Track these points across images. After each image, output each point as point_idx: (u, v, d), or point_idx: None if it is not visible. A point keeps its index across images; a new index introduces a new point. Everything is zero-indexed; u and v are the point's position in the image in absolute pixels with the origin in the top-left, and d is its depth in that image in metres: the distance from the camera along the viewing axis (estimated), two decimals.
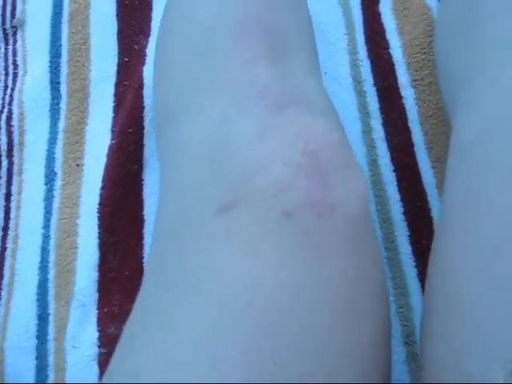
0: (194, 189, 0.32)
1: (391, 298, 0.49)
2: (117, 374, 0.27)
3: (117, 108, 0.57)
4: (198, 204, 0.30)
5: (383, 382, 0.28)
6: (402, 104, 0.54)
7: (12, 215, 0.55)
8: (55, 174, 0.56)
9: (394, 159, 0.53)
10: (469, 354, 0.26)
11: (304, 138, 0.29)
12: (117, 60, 0.59)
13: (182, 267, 0.29)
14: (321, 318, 0.26)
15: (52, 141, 0.57)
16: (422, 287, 0.49)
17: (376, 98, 0.55)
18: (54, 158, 0.56)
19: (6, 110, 0.58)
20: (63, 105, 0.58)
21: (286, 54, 0.36)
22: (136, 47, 0.59)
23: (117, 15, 0.61)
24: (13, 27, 0.62)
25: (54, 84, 0.59)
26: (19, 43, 0.61)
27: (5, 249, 0.54)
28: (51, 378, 0.50)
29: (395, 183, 0.52)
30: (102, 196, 0.53)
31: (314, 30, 0.56)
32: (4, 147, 0.57)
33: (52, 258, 0.53)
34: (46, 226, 0.54)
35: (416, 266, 0.50)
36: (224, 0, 0.38)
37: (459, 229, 0.31)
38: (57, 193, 0.55)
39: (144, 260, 0.51)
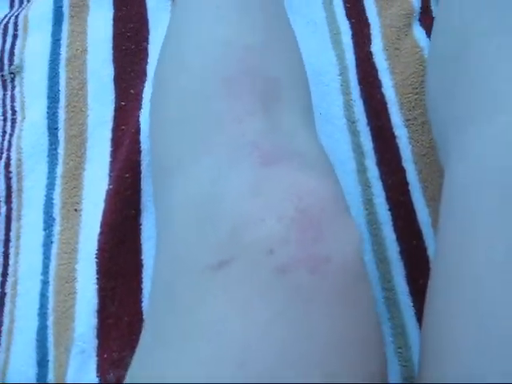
0: (187, 244, 0.32)
1: (390, 338, 0.49)
2: None
3: (114, 153, 0.57)
4: (191, 260, 0.31)
5: None
6: (396, 143, 0.55)
7: (11, 261, 0.55)
8: (54, 219, 0.56)
9: (389, 198, 0.53)
10: None
11: (296, 193, 0.29)
12: (114, 105, 0.60)
13: (175, 324, 0.29)
14: (311, 374, 0.26)
15: (50, 186, 0.57)
16: (420, 327, 0.49)
17: (370, 138, 0.56)
18: (52, 203, 0.57)
19: (4, 156, 0.59)
20: (61, 150, 0.59)
21: (277, 107, 0.36)
22: (132, 91, 0.60)
23: (113, 60, 0.62)
24: (11, 73, 0.63)
25: (52, 130, 0.59)
26: (17, 89, 0.62)
27: (4, 294, 0.54)
28: None
29: (391, 222, 0.52)
30: (100, 241, 0.53)
31: (307, 72, 0.57)
32: (2, 193, 0.57)
33: (51, 304, 0.53)
34: (45, 272, 0.54)
35: (413, 306, 0.50)
36: (216, 52, 0.39)
37: (453, 273, 0.31)
38: (55, 238, 0.55)
39: (143, 305, 0.51)
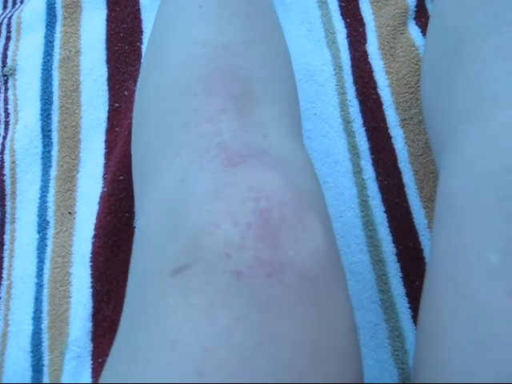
0: (155, 248, 0.32)
1: (386, 340, 0.49)
2: None
3: (108, 155, 0.57)
4: (155, 263, 0.31)
5: None
6: (392, 144, 0.55)
7: (5, 264, 0.55)
8: (48, 222, 0.56)
9: (385, 200, 0.53)
10: None
11: (255, 196, 0.29)
12: (107, 106, 0.60)
13: (141, 328, 0.29)
14: (275, 381, 0.26)
15: (44, 189, 0.57)
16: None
17: (365, 139, 0.55)
18: (46, 206, 0.56)
19: None
20: (55, 152, 0.58)
21: (253, 106, 0.36)
22: (126, 93, 0.60)
23: (107, 61, 0.62)
24: (4, 75, 0.62)
25: (46, 132, 0.59)
26: (10, 91, 0.62)
27: None
28: None
29: (387, 224, 0.52)
30: (94, 244, 0.53)
31: (301, 71, 0.57)
32: None
33: (45, 307, 0.53)
34: (39, 276, 0.54)
35: (410, 308, 0.50)
36: (195, 52, 0.39)
37: (444, 280, 0.31)
38: (49, 241, 0.55)
39: None
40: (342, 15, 0.61)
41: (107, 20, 0.64)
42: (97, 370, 0.50)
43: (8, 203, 0.57)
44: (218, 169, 0.31)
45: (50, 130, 0.59)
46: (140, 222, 0.36)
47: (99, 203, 0.54)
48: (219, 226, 0.28)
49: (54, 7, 0.65)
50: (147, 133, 0.40)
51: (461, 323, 0.28)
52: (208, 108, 0.35)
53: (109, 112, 0.59)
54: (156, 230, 0.32)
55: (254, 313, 0.27)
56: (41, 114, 0.60)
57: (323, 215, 0.32)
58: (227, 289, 0.27)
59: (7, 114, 0.61)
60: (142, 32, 0.63)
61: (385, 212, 0.52)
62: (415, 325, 0.49)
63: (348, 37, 0.60)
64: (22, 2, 0.68)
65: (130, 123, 0.56)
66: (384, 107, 0.56)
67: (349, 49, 0.59)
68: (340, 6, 0.62)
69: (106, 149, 0.57)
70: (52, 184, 0.57)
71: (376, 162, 0.54)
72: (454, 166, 0.34)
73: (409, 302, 0.50)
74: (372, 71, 0.58)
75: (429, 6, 0.61)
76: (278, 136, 0.36)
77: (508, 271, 0.27)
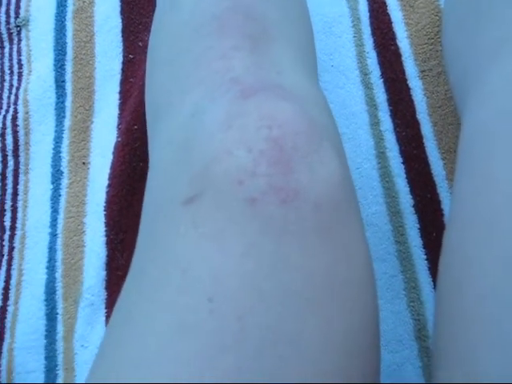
0: (166, 179, 0.31)
1: (402, 292, 0.49)
2: (91, 377, 0.27)
3: (122, 105, 0.56)
4: (168, 195, 0.30)
5: (367, 381, 0.28)
6: (410, 95, 0.54)
7: (19, 215, 0.55)
8: (61, 172, 0.55)
9: (402, 151, 0.52)
10: (485, 354, 0.25)
11: (268, 124, 0.28)
12: (122, 57, 0.59)
13: (150, 260, 0.29)
14: (288, 309, 0.25)
15: (58, 140, 0.57)
16: (434, 280, 0.48)
17: (383, 90, 0.54)
18: (60, 156, 0.56)
19: (11, 109, 0.58)
20: (68, 103, 0.58)
21: (267, 44, 0.35)
22: (140, 44, 0.59)
23: (121, 12, 0.61)
24: (17, 26, 0.62)
25: (59, 83, 0.58)
26: (23, 42, 0.61)
27: (12, 248, 0.54)
28: (61, 378, 0.50)
29: (404, 175, 0.51)
30: (108, 194, 0.53)
31: (318, 23, 0.56)
32: (10, 147, 0.57)
33: (59, 256, 0.53)
34: (53, 225, 0.54)
35: (427, 259, 0.49)
36: None
37: (471, 217, 0.30)
38: (63, 192, 0.55)
39: None
40: None
41: None
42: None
43: (22, 154, 0.57)
44: (231, 101, 0.31)
45: (63, 81, 0.59)
46: (152, 158, 0.36)
47: (113, 153, 0.54)
48: (231, 154, 0.28)
49: None
50: (160, 75, 0.39)
51: (489, 256, 0.27)
52: (221, 46, 0.34)
53: (123, 63, 0.59)
54: (168, 162, 0.32)
55: (267, 240, 0.26)
56: (54, 65, 0.59)
57: (338, 149, 0.31)
58: (240, 216, 0.26)
59: (20, 65, 0.60)
60: None
61: (402, 163, 0.52)
62: (432, 276, 0.49)
63: None
64: None
65: (144, 74, 0.56)
66: (403, 58, 0.55)
67: (367, 0, 0.58)
68: None
69: (120, 99, 0.57)
70: (66, 134, 0.57)
71: (394, 114, 0.53)
72: (483, 99, 0.33)
73: (426, 254, 0.49)
74: (391, 22, 0.57)
75: None
76: (293, 74, 0.35)
77: None
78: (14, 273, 0.53)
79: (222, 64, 0.33)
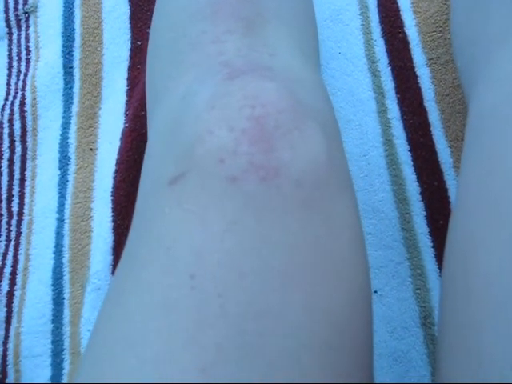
0: (155, 161, 0.32)
1: (408, 279, 0.49)
2: (85, 354, 0.28)
3: (130, 91, 0.57)
4: (156, 175, 0.31)
5: (358, 365, 0.27)
6: (418, 83, 0.54)
7: (26, 200, 0.55)
8: (69, 158, 0.56)
9: (409, 139, 0.52)
10: (491, 339, 0.25)
11: (251, 103, 0.29)
12: (130, 44, 0.59)
13: (139, 240, 0.29)
14: (269, 285, 0.25)
15: (65, 126, 0.57)
16: (440, 267, 0.48)
17: (391, 78, 0.54)
18: (67, 142, 0.56)
19: (19, 95, 0.58)
20: (76, 89, 0.58)
21: (261, 28, 0.36)
22: (148, 31, 0.59)
23: None
24: (25, 13, 0.62)
25: (67, 69, 0.59)
26: (32, 29, 0.61)
27: (19, 234, 0.54)
28: (67, 362, 0.50)
29: (411, 163, 0.51)
30: (115, 179, 0.53)
31: (326, 11, 0.56)
32: (18, 133, 0.57)
33: (66, 242, 0.53)
34: (60, 211, 0.54)
35: (433, 246, 0.49)
36: None
37: (477, 200, 0.30)
38: (71, 177, 0.55)
39: None
40: None
41: None
42: None
43: (29, 140, 0.57)
44: (218, 82, 0.31)
45: (71, 67, 0.59)
46: (148, 141, 0.36)
47: (121, 139, 0.54)
48: (213, 133, 0.28)
49: None
50: (158, 60, 0.40)
51: (495, 240, 0.27)
52: (214, 30, 0.35)
53: (131, 50, 0.59)
54: (158, 144, 0.33)
55: (248, 217, 0.27)
56: (62, 51, 0.59)
57: (327, 130, 0.31)
58: (221, 194, 0.27)
59: (28, 52, 0.60)
60: None
61: (409, 151, 0.52)
62: (438, 263, 0.49)
63: None
64: None
65: None
66: (411, 46, 0.55)
67: None
68: None
69: (127, 86, 0.57)
70: (73, 121, 0.57)
71: (401, 102, 0.53)
72: (491, 84, 0.33)
73: (432, 241, 0.49)
74: (399, 10, 0.56)
75: None
76: (288, 56, 0.35)
77: None
78: (21, 258, 0.53)
79: (214, 48, 0.34)
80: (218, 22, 0.35)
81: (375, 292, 0.49)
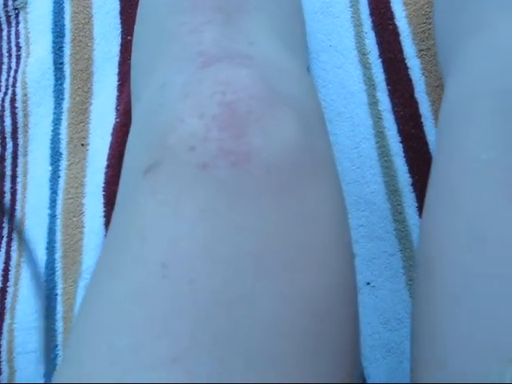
0: (131, 153, 0.33)
1: (400, 270, 0.49)
2: (66, 346, 0.28)
3: (121, 87, 0.56)
4: (132, 166, 0.31)
5: (340, 353, 0.27)
6: (408, 75, 0.54)
7: (18, 197, 0.55)
8: (60, 154, 0.56)
9: (401, 130, 0.52)
10: (463, 351, 0.25)
11: (222, 90, 0.29)
12: (120, 39, 0.59)
13: (114, 230, 0.30)
14: (241, 272, 0.25)
15: (56, 121, 0.57)
16: None
17: (381, 70, 0.54)
18: (59, 138, 0.56)
19: (10, 91, 0.58)
20: (67, 85, 0.58)
21: (240, 18, 0.35)
22: None
23: None
24: (15, 9, 0.62)
25: (58, 65, 0.59)
26: (22, 25, 0.61)
27: (12, 229, 0.54)
28: (61, 357, 0.50)
29: (402, 154, 0.51)
30: (107, 175, 0.53)
31: (316, 3, 0.56)
32: (9, 129, 0.57)
33: (59, 238, 0.53)
34: (52, 207, 0.54)
35: None
36: None
37: (437, 198, 0.31)
38: (62, 173, 0.55)
39: None
40: None
41: None
42: None
43: (20, 136, 0.57)
44: (193, 71, 0.31)
45: (62, 63, 0.59)
46: (129, 133, 0.36)
47: (112, 134, 0.54)
48: (184, 121, 0.28)
49: None
50: (141, 53, 0.40)
51: (456, 224, 0.28)
52: (193, 21, 0.35)
53: (121, 45, 0.59)
54: (135, 135, 0.33)
55: (219, 204, 0.27)
56: (53, 47, 0.59)
57: (306, 118, 0.31)
58: (193, 181, 0.27)
59: (19, 48, 0.60)
60: None
61: (400, 142, 0.52)
62: None
63: None
64: None
65: None
66: (401, 38, 0.55)
67: None
68: None
69: (118, 81, 0.57)
70: (64, 116, 0.57)
71: (392, 93, 0.53)
72: (456, 77, 0.34)
73: None
74: (389, 2, 0.56)
75: None
76: (268, 46, 0.35)
77: (499, 167, 0.26)
78: (14, 254, 0.53)
79: (192, 38, 0.34)
80: (196, 13, 0.35)
81: (368, 284, 0.49)
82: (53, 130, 0.56)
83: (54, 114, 0.57)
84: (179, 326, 0.24)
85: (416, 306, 0.31)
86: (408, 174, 0.51)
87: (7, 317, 0.51)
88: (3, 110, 0.57)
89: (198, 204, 0.26)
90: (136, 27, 0.43)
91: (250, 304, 0.25)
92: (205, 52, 0.32)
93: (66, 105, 0.57)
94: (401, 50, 0.54)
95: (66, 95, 0.57)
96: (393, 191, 0.50)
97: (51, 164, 0.55)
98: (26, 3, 0.61)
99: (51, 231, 0.53)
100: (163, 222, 0.27)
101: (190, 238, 0.26)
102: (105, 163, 0.53)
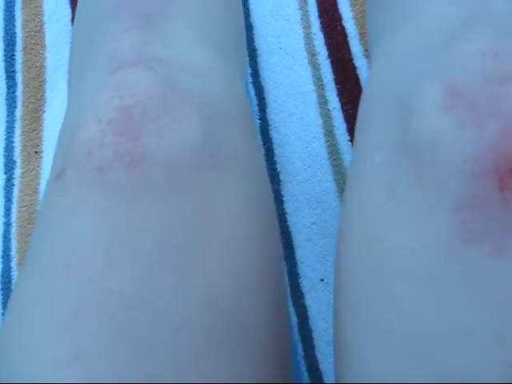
0: (54, 157, 0.33)
1: None
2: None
3: None
4: (51, 169, 0.32)
5: (254, 344, 0.28)
6: (356, 74, 0.55)
7: None
8: (14, 162, 0.56)
9: (349, 129, 0.53)
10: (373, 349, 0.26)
11: (120, 94, 0.29)
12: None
13: (34, 230, 0.31)
14: (140, 272, 0.26)
15: (10, 130, 0.57)
16: None
17: (330, 70, 0.55)
18: (12, 146, 0.56)
19: None
20: (19, 93, 0.58)
21: (160, 22, 0.36)
22: None
23: (70, 2, 0.61)
24: None
25: (10, 73, 0.59)
26: None
27: None
28: None
29: (351, 153, 0.52)
30: None
31: (266, 7, 0.56)
32: None
33: (14, 246, 0.53)
34: (7, 215, 0.54)
35: None
36: None
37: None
38: (16, 181, 0.55)
39: None
40: None
41: None
42: None
43: None
44: (103, 78, 0.32)
45: (13, 71, 0.59)
46: None
47: None
48: (84, 127, 0.29)
49: None
50: (73, 65, 0.41)
51: (352, 225, 0.28)
52: (115, 28, 0.35)
53: None
54: (57, 142, 0.34)
55: (118, 207, 0.27)
56: (4, 55, 0.59)
57: (213, 117, 0.31)
58: (91, 186, 0.28)
59: None
60: None
61: (349, 141, 0.52)
62: None
63: None
64: None
65: None
66: (348, 39, 0.56)
67: None
68: None
69: None
70: (18, 124, 0.57)
71: (341, 93, 0.54)
72: (372, 75, 0.35)
73: None
74: (337, 4, 0.57)
75: None
76: (186, 47, 0.35)
77: (388, 167, 0.27)
78: None
79: (112, 45, 0.34)
80: (118, 20, 0.35)
81: (322, 280, 0.50)
82: (6, 139, 0.56)
83: (7, 122, 0.57)
84: (81, 325, 0.25)
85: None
86: None
87: None
88: None
89: (98, 208, 0.27)
90: (72, 37, 0.43)
91: (146, 304, 0.25)
92: (119, 58, 0.33)
93: (18, 113, 0.57)
94: (348, 51, 0.56)
95: (19, 103, 0.57)
96: (343, 189, 0.51)
97: (5, 172, 0.55)
98: None
99: (6, 239, 0.53)
100: (67, 225, 0.27)
101: (92, 240, 0.27)
102: None
